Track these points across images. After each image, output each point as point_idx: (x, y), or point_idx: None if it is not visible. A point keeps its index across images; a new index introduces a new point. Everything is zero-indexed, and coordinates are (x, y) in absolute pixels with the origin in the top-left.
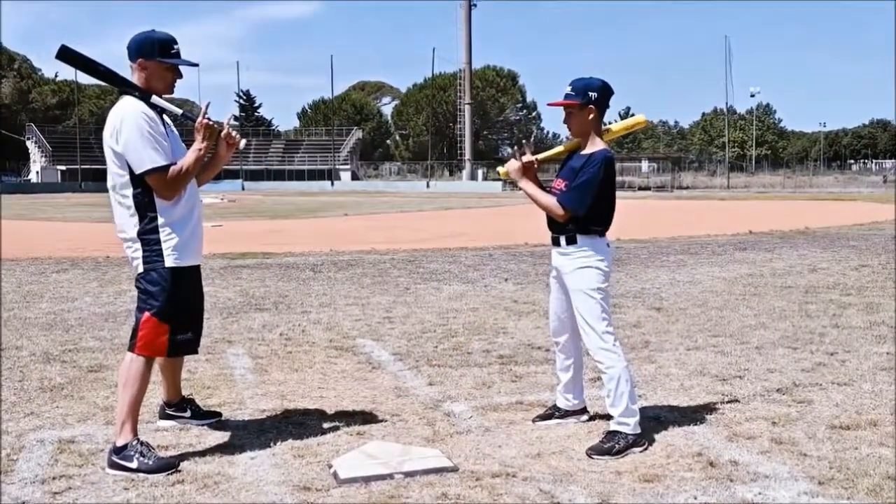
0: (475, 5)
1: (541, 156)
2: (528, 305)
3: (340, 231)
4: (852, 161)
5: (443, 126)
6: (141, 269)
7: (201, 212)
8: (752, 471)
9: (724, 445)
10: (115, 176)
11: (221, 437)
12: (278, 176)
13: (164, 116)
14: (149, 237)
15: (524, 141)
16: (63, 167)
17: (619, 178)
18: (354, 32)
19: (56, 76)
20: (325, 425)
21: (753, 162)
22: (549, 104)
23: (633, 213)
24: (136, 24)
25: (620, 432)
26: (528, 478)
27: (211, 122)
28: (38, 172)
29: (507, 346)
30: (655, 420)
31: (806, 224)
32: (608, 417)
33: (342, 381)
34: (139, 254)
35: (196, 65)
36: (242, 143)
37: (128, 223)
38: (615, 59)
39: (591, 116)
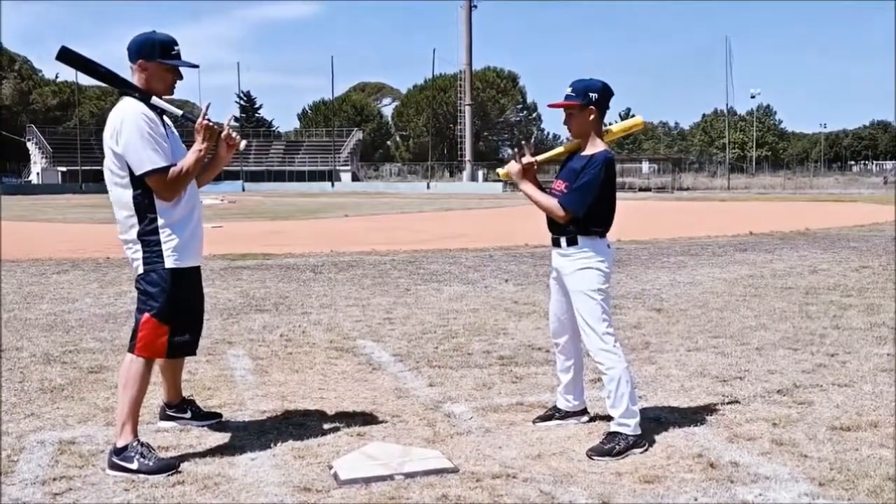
0: (476, 6)
1: (541, 157)
2: (529, 306)
3: (341, 232)
4: (853, 162)
5: (443, 127)
6: (141, 270)
7: (201, 213)
8: (753, 472)
9: (725, 446)
10: (115, 177)
11: (222, 438)
12: (279, 177)
13: (165, 117)
14: (149, 238)
15: (524, 142)
16: (64, 168)
17: (619, 180)
18: (355, 33)
19: (56, 77)
20: (326, 426)
21: (754, 163)
22: (549, 105)
23: (633, 215)
24: (137, 25)
25: (621, 433)
26: (528, 479)
27: (211, 123)
28: (38, 174)
29: (508, 347)
30: (656, 421)
31: (806, 225)
32: (608, 418)
33: (342, 382)
34: (139, 255)
35: (196, 66)
36: (243, 144)
37: (127, 224)
38: (615, 60)
39: (592, 117)
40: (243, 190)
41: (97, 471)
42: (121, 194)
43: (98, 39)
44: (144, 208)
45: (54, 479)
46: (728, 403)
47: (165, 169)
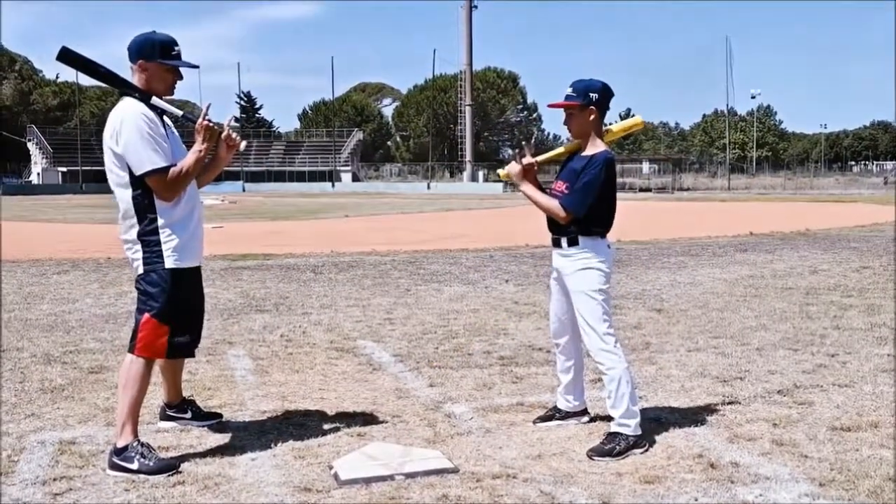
0: (476, 6)
1: (541, 158)
2: (529, 307)
3: (341, 232)
4: (853, 163)
5: (443, 127)
6: (141, 271)
7: (202, 213)
8: (753, 472)
9: (725, 447)
10: (115, 177)
11: (222, 438)
12: (279, 177)
13: (165, 118)
14: (149, 238)
15: (524, 143)
16: (64, 169)
17: (619, 180)
18: (355, 34)
19: (57, 77)
20: (326, 426)
21: (754, 163)
22: (549, 105)
23: (633, 215)
24: (137, 26)
25: (621, 434)
26: (528, 479)
27: (211, 124)
28: (39, 174)
29: (508, 348)
30: (656, 421)
31: (807, 225)
32: (609, 419)
33: (343, 382)
34: (139, 255)
35: (196, 66)
36: (243, 144)
37: (127, 224)
38: (616, 60)
39: (592, 118)
40: (244, 190)
41: (97, 471)
42: (121, 194)
43: (98, 39)
44: (144, 208)
45: (54, 480)
46: (728, 404)
47: (165, 169)
